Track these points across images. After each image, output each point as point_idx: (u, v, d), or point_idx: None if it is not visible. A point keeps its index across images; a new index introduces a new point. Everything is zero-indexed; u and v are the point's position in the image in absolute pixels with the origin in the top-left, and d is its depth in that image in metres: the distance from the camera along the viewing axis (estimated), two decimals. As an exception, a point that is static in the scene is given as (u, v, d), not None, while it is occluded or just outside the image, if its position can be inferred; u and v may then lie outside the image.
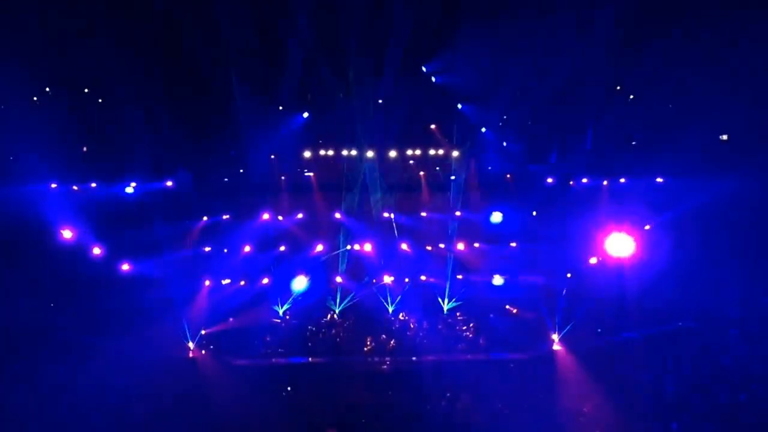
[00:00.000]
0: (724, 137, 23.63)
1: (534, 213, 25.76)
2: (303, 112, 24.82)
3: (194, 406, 18.40)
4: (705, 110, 22.26)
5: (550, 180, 25.48)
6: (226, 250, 25.22)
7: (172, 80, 22.33)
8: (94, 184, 23.86)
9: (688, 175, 23.56)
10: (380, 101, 24.44)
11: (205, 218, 25.30)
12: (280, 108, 24.74)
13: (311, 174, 26.11)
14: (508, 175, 26.34)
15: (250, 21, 21.90)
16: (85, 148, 24.11)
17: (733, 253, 22.93)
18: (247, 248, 25.17)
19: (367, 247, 25.75)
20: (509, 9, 21.15)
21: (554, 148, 25.17)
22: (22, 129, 21.46)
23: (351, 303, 25.27)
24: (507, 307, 25.10)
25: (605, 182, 25.48)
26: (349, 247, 26.04)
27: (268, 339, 23.02)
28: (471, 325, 24.00)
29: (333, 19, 21.99)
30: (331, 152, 25.72)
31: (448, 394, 19.02)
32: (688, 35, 20.72)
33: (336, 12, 21.90)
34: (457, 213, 26.13)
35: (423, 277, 26.06)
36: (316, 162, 25.86)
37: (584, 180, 25.45)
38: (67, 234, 22.03)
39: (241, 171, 25.59)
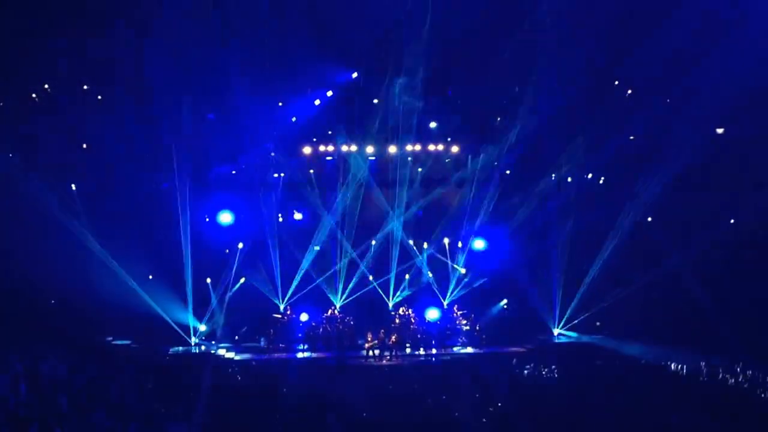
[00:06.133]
0: (720, 131, 23.65)
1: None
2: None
3: (195, 401, 18.51)
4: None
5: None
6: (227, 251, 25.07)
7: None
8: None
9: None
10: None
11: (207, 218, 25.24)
12: (280, 104, 24.83)
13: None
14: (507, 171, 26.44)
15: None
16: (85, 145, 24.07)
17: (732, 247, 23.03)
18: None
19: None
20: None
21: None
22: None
23: (352, 298, 25.32)
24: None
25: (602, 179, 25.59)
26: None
27: (271, 332, 23.20)
28: (472, 316, 24.16)
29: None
30: (331, 148, 25.75)
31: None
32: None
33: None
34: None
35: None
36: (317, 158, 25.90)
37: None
38: None
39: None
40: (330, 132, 25.79)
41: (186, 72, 22.24)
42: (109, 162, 23.15)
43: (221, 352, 22.61)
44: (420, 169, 26.32)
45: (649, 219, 24.82)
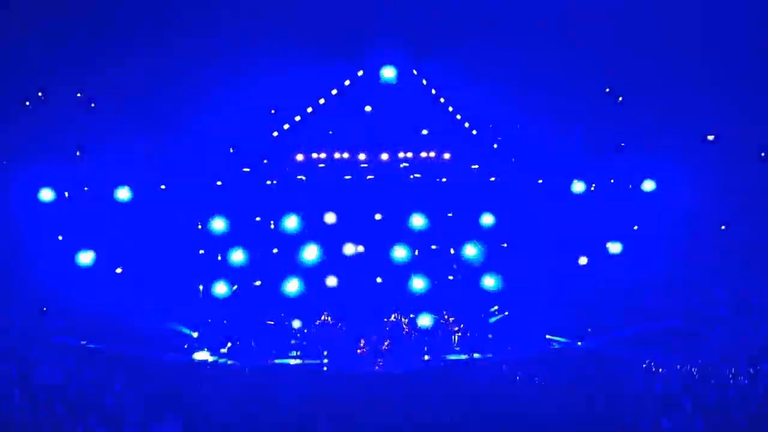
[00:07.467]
0: (711, 137, 23.91)
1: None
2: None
3: (188, 408, 18.44)
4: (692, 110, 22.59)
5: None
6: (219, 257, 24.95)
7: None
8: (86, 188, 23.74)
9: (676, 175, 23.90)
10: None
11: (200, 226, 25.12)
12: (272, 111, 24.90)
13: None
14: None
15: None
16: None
17: (721, 252, 23.26)
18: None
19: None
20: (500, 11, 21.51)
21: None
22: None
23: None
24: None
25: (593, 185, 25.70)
26: None
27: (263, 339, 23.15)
28: (462, 325, 24.19)
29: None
30: (323, 155, 25.83)
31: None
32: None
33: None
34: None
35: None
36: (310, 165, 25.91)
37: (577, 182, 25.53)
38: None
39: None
40: None
41: None
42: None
43: (213, 358, 22.56)
44: None
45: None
